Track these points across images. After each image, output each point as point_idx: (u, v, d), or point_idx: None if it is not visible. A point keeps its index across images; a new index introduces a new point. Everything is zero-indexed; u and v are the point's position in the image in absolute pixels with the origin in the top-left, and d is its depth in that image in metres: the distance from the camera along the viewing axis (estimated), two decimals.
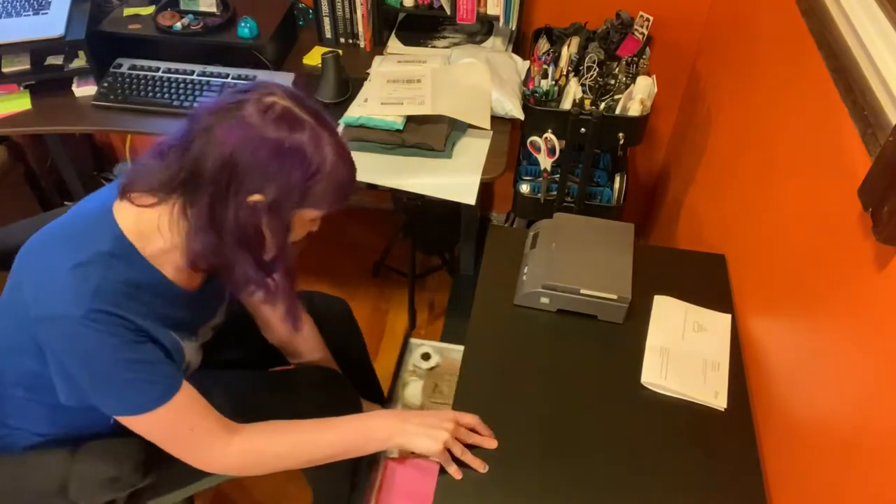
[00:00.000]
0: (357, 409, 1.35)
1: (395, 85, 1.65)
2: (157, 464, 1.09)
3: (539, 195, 1.77)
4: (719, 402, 1.13)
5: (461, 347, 1.70)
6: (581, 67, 1.70)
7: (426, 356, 1.68)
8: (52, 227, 0.98)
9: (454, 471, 1.03)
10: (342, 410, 1.15)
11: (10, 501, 1.07)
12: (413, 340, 1.73)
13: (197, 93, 1.67)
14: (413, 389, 1.63)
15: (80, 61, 1.73)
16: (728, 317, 1.26)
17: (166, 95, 1.67)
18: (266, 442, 1.05)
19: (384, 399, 1.60)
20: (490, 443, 1.06)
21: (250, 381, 1.29)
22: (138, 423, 0.96)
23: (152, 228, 0.94)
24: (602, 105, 1.62)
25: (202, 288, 1.07)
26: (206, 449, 1.01)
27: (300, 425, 1.07)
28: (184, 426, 0.99)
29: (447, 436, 1.03)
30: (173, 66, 1.73)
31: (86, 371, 0.92)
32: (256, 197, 0.89)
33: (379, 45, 1.91)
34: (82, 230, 0.95)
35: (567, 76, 1.68)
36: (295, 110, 0.91)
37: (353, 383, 1.37)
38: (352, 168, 0.97)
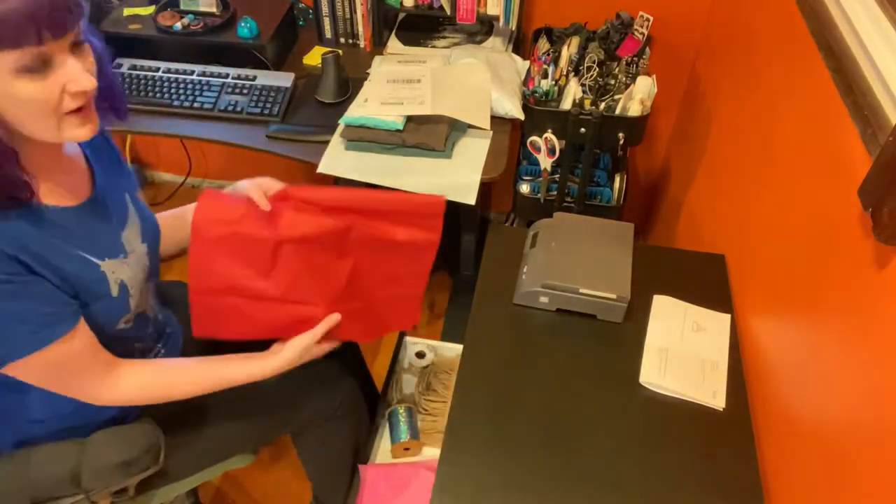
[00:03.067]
0: (361, 409, 1.40)
1: (395, 85, 1.65)
2: (168, 449, 1.10)
3: (539, 195, 1.77)
4: (717, 401, 1.13)
5: (456, 345, 1.71)
6: (581, 67, 1.70)
7: (420, 354, 1.68)
8: None
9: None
10: (348, 410, 1.28)
11: (24, 492, 1.07)
12: (408, 338, 1.74)
13: (197, 93, 1.67)
14: (407, 387, 1.63)
15: None
16: (727, 317, 1.26)
17: (166, 95, 1.67)
18: (152, 380, 1.07)
19: (378, 395, 1.60)
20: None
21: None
22: (11, 369, 0.92)
23: None
24: (602, 105, 1.62)
25: (92, 198, 1.00)
26: (91, 394, 1.01)
27: (184, 371, 1.10)
28: (65, 370, 0.96)
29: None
30: (173, 66, 1.73)
31: None
32: None
33: (379, 45, 1.91)
34: None
35: (567, 76, 1.68)
36: None
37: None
38: None
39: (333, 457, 1.41)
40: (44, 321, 0.90)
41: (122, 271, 1.02)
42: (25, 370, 0.93)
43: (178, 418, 1.16)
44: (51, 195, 0.93)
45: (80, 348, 0.95)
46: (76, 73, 0.84)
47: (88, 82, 0.85)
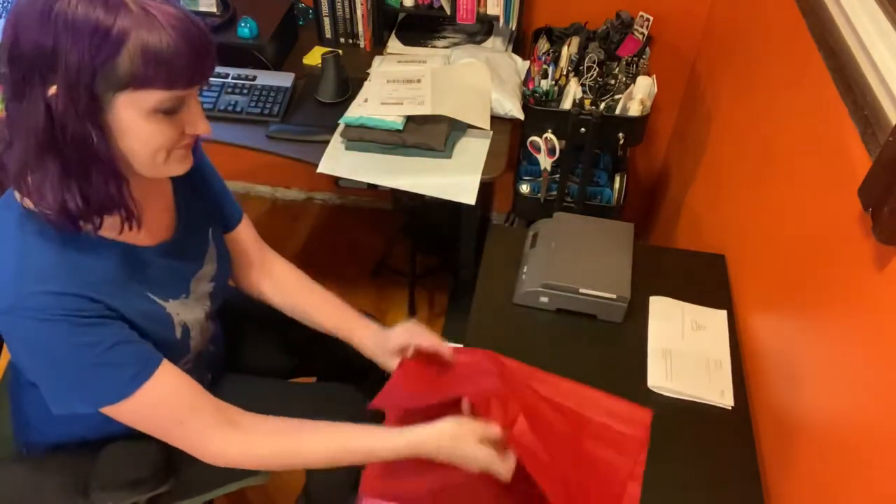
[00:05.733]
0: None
1: (395, 85, 1.65)
2: (178, 468, 1.07)
3: (539, 195, 1.77)
4: (726, 400, 1.13)
5: (456, 345, 1.69)
6: (581, 67, 1.70)
7: None
8: None
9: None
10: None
11: (32, 498, 1.06)
12: None
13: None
14: None
15: None
16: (723, 312, 1.26)
17: None
18: (271, 447, 0.96)
19: None
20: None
21: (269, 388, 1.24)
22: (119, 412, 0.88)
23: None
24: (602, 105, 1.62)
25: (174, 239, 0.99)
26: (200, 441, 0.92)
27: (313, 431, 0.97)
28: (170, 413, 0.90)
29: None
30: None
31: (36, 364, 0.86)
32: (52, 90, 0.74)
33: (379, 45, 1.91)
34: None
35: (567, 76, 1.68)
36: None
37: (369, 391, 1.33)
38: (172, 26, 0.77)
39: (343, 474, 1.37)
40: (129, 363, 0.86)
41: (185, 313, 0.99)
42: (120, 415, 0.88)
43: None
44: (131, 233, 0.90)
45: (168, 394, 0.89)
46: (197, 119, 0.85)
47: (206, 128, 0.86)
